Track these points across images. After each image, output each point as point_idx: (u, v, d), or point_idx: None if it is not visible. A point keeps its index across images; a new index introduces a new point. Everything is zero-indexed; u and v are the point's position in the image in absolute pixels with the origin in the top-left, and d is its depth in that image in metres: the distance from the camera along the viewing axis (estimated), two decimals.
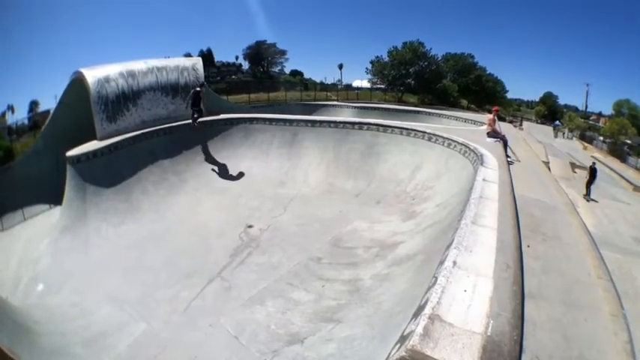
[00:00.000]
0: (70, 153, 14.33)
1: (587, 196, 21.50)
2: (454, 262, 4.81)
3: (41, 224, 14.72)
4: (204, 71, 22.35)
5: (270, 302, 8.16)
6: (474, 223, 6.21)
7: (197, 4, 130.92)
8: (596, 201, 19.92)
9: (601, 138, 64.28)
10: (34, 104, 51.32)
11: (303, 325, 7.21)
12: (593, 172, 22.37)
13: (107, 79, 17.24)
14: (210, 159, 18.42)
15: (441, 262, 5.07)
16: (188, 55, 54.43)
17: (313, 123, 19.66)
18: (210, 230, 12.72)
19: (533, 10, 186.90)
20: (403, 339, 3.74)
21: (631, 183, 33.45)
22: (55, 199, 15.35)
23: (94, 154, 14.96)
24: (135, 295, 9.26)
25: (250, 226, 12.76)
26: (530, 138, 30.43)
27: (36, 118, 38.20)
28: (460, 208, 7.99)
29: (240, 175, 17.87)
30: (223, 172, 17.95)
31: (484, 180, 9.14)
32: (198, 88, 18.38)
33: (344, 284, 8.52)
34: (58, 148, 15.51)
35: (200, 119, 17.86)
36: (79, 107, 17.28)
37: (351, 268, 9.32)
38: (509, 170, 11.41)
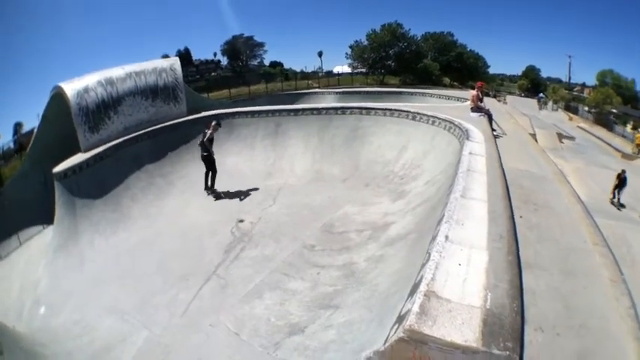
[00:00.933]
0: (57, 169, 14.36)
1: (614, 199, 20.13)
2: (446, 237, 4.67)
3: (37, 246, 14.80)
4: (183, 71, 22.20)
5: (268, 295, 8.05)
6: (464, 197, 6.08)
7: (172, 4, 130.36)
8: (624, 206, 19.23)
9: (586, 108, 64.81)
10: (18, 126, 51.09)
11: (302, 314, 7.11)
12: (622, 180, 20.73)
13: (86, 90, 17.14)
14: (195, 158, 17.85)
15: (433, 238, 4.91)
16: (166, 56, 54.14)
17: (296, 112, 19.62)
18: (201, 230, 12.56)
19: None
20: (400, 319, 3.59)
21: (619, 150, 33.81)
22: (47, 218, 15.29)
23: (80, 167, 14.93)
24: (133, 303, 9.13)
25: (241, 221, 12.58)
26: (515, 111, 30.55)
27: (21, 139, 38.05)
28: (449, 184, 7.86)
29: (227, 171, 17.58)
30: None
31: (471, 154, 9.03)
32: (207, 131, 15.32)
33: (339, 269, 8.42)
34: (44, 167, 15.63)
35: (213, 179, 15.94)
36: (62, 122, 17.23)
37: (345, 252, 9.21)
38: (496, 143, 11.30)
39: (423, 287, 3.69)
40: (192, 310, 8.36)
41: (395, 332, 3.42)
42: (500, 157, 9.30)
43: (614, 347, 4.11)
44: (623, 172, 20.79)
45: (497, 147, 10.53)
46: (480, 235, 4.80)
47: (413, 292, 3.92)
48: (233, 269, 9.70)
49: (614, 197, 19.83)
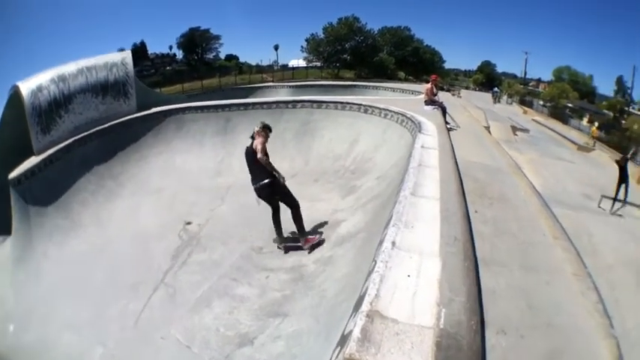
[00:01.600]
0: (12, 175, 13.90)
1: (616, 199, 18.69)
2: (393, 243, 4.05)
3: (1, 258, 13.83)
4: (138, 65, 21.52)
5: (217, 302, 7.64)
6: (414, 194, 5.51)
7: None
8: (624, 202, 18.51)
9: (541, 102, 66.10)
10: None
11: (251, 323, 6.71)
12: (624, 168, 19.34)
13: (40, 88, 16.64)
14: (144, 157, 17.57)
15: (380, 243, 4.34)
16: (122, 50, 53.00)
17: (246, 106, 19.05)
18: (149, 234, 12.09)
19: None
20: (343, 340, 3.06)
21: (575, 143, 34.33)
22: (7, 228, 14.62)
23: (32, 172, 14.46)
24: (88, 316, 8.81)
25: (189, 223, 12.13)
26: (470, 105, 30.63)
27: None
28: (400, 179, 7.37)
29: (176, 170, 17.08)
30: (159, 170, 17.15)
31: (423, 147, 8.58)
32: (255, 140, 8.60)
33: (287, 272, 8.00)
34: (3, 173, 14.59)
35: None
36: (20, 123, 16.37)
37: (294, 254, 8.78)
38: (450, 136, 10.92)
39: (365, 306, 3.09)
40: (143, 321, 8.02)
41: (337, 356, 2.93)
42: (453, 150, 8.87)
43: (585, 345, 4.04)
44: (623, 158, 20.11)
45: (450, 139, 10.15)
46: (432, 239, 4.22)
47: (357, 307, 3.36)
48: (181, 275, 9.33)
49: (617, 196, 18.54)
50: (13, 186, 13.65)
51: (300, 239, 8.69)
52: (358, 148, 14.77)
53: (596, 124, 47.04)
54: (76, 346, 8.05)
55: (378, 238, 4.84)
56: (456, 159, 8.26)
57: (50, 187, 14.46)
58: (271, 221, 9.15)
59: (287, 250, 8.93)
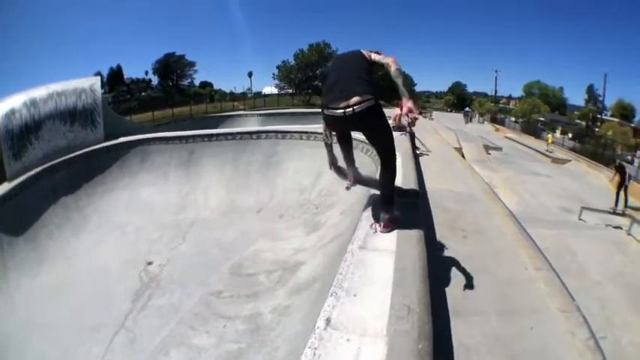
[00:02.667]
0: None
1: (616, 207, 18.71)
2: (327, 321, 3.25)
3: None
4: (114, 90, 21.16)
5: (174, 352, 7.30)
6: (363, 248, 4.59)
7: (107, 18, 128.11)
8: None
9: (512, 119, 67.10)
10: None
11: None
12: (622, 172, 19.64)
13: (13, 112, 16.34)
14: (110, 190, 16.99)
15: (316, 318, 3.54)
16: (98, 74, 52.25)
17: (210, 137, 18.42)
18: (111, 273, 11.65)
19: (437, 4, 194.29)
20: None
21: (548, 156, 34.32)
22: None
23: (3, 199, 13.94)
24: (56, 355, 8.54)
25: (150, 263, 11.68)
26: (441, 126, 30.80)
27: None
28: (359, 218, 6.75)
29: (141, 204, 16.49)
30: (123, 203, 16.51)
31: None
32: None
33: (245, 322, 7.53)
34: None
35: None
36: None
37: (252, 300, 8.30)
38: (418, 164, 10.40)
39: None
40: None
41: None
42: (421, 181, 8.26)
43: None
44: (619, 163, 20.09)
45: (418, 168, 9.57)
46: (379, 311, 3.35)
47: None
48: (141, 319, 9.01)
49: (617, 205, 18.53)
50: None
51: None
52: (322, 180, 14.27)
53: (555, 133, 48.28)
54: None
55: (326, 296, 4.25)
56: (424, 190, 7.64)
57: (20, 217, 13.99)
58: (232, 263, 9.73)
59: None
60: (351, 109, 4.63)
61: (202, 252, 11.62)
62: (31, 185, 15.22)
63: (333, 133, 5.79)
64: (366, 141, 11.15)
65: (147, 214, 15.61)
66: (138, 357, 7.55)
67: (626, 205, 18.83)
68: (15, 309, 10.92)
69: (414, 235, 4.83)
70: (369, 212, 5.76)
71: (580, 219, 17.09)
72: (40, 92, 17.80)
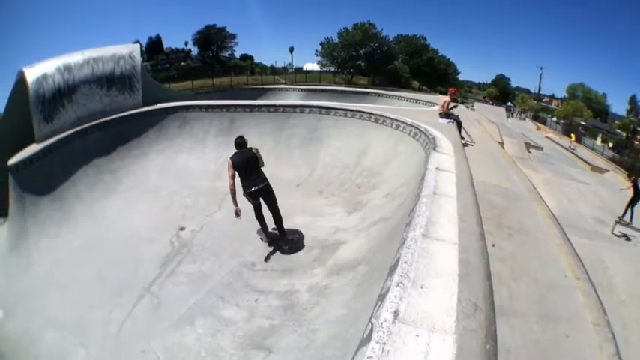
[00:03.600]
0: (11, 162, 13.30)
1: (622, 217, 18.52)
2: (395, 313, 3.10)
3: None
4: (153, 58, 21.02)
5: (200, 321, 7.17)
6: (426, 236, 4.45)
7: None
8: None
9: (554, 119, 65.93)
10: None
11: (233, 352, 6.22)
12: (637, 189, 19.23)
13: (45, 76, 15.89)
14: (145, 154, 17.02)
15: (380, 301, 3.47)
16: (137, 42, 52.56)
17: (251, 108, 18.29)
18: (141, 236, 11.48)
19: None
20: None
21: (588, 163, 33.94)
22: (5, 211, 14.02)
23: (31, 160, 13.81)
24: (71, 317, 8.41)
25: (182, 229, 11.53)
26: (483, 118, 29.99)
27: None
28: (410, 203, 6.59)
29: (176, 169, 16.50)
30: (158, 168, 16.55)
31: (438, 169, 7.60)
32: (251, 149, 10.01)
33: (278, 297, 7.41)
34: (8, 158, 14.10)
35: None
36: (26, 110, 15.78)
37: (287, 275, 8.18)
38: (466, 155, 10.12)
39: None
40: (126, 330, 7.64)
41: None
42: (471, 175, 8.04)
43: None
44: (634, 179, 19.86)
45: (467, 160, 9.27)
46: (447, 306, 3.24)
47: None
48: (168, 286, 8.80)
49: (624, 215, 18.46)
50: (11, 173, 13.12)
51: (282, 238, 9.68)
52: (367, 160, 14.06)
53: (596, 140, 48.05)
54: (59, 345, 7.71)
55: (380, 279, 4.08)
56: (474, 186, 7.42)
57: (47, 177, 13.96)
58: (267, 236, 9.86)
59: (271, 242, 9.76)
60: (264, 185, 9.30)
61: (237, 222, 10.94)
62: (61, 147, 15.24)
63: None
64: (411, 123, 11.41)
65: (182, 179, 15.60)
66: (161, 323, 7.44)
67: (622, 217, 18.59)
68: (30, 268, 10.96)
69: (476, 230, 4.73)
70: (427, 200, 5.59)
71: (613, 232, 16.82)
72: (75, 58, 17.74)
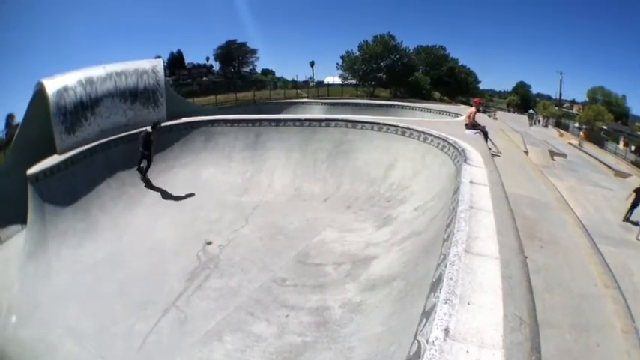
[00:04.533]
0: (30, 171, 13.39)
1: (628, 219, 19.22)
2: (446, 331, 3.13)
3: (15, 247, 13.49)
4: (175, 73, 21.21)
5: (229, 337, 7.07)
6: (468, 252, 4.45)
7: (169, 7, 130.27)
8: (636, 224, 18.34)
9: (576, 125, 65.40)
10: (10, 118, 49.51)
11: None
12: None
13: (66, 89, 16.12)
14: (170, 167, 17.06)
15: (425, 318, 3.52)
16: (158, 57, 52.90)
17: (277, 122, 18.30)
18: (166, 250, 11.48)
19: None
20: None
21: (611, 168, 34.05)
22: (26, 219, 14.01)
23: (52, 170, 13.91)
24: (92, 328, 8.35)
25: (209, 243, 11.46)
26: (506, 127, 29.89)
27: (12, 132, 36.85)
28: (443, 217, 6.64)
29: (201, 183, 16.47)
30: (183, 181, 16.52)
31: (472, 182, 7.52)
32: (149, 128, 15.96)
33: (310, 313, 7.34)
34: (26, 165, 14.31)
35: (147, 168, 15.99)
36: (45, 120, 15.99)
37: (319, 291, 8.11)
38: (497, 166, 10.10)
39: None
40: (149, 345, 7.53)
41: None
42: (504, 187, 8.01)
43: None
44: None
45: (498, 172, 9.23)
46: (493, 322, 3.29)
47: None
48: (195, 300, 8.72)
49: (628, 218, 19.01)
50: (31, 182, 13.21)
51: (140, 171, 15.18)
52: (395, 173, 13.96)
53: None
54: (77, 355, 7.70)
55: (418, 294, 4.15)
56: (507, 198, 7.40)
57: (69, 188, 14.08)
58: (297, 251, 10.13)
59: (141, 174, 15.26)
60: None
61: (266, 236, 11.41)
62: (84, 159, 15.36)
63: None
64: (438, 135, 11.47)
65: (208, 193, 15.61)
66: (187, 338, 7.41)
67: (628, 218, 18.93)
68: (50, 278, 10.98)
69: (515, 244, 4.77)
70: (465, 215, 5.59)
71: (638, 239, 16.76)
72: (97, 71, 17.95)
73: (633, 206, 19.51)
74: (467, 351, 2.92)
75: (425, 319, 3.51)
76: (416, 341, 3.21)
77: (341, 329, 6.54)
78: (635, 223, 18.47)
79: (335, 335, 6.43)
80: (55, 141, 15.30)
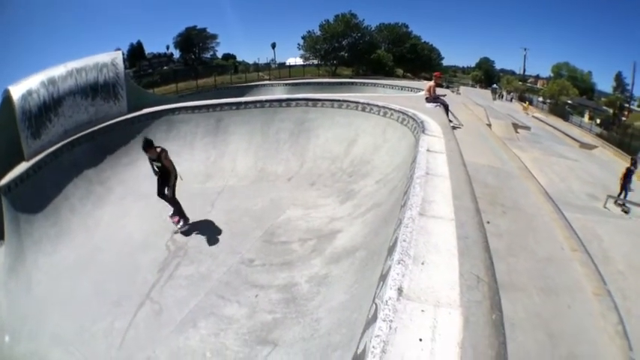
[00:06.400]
0: (1, 183, 13.30)
1: (619, 199, 18.40)
2: (399, 290, 3.08)
3: None
4: (135, 65, 20.85)
5: (203, 323, 7.08)
6: (423, 215, 4.44)
7: None
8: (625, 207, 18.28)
9: (540, 99, 66.86)
10: None
11: (238, 349, 6.18)
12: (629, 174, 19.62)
13: (30, 92, 15.95)
14: (134, 161, 16.69)
15: (382, 281, 3.49)
16: (118, 49, 51.97)
17: (238, 105, 18.15)
18: (136, 243, 11.39)
19: None
20: None
21: (577, 140, 34.55)
22: (1, 233, 14.10)
23: (21, 178, 13.83)
24: (74, 332, 8.27)
25: (177, 232, 11.37)
26: (469, 101, 30.15)
27: None
28: (402, 186, 6.65)
29: None
30: (147, 174, 15.84)
31: (428, 150, 7.61)
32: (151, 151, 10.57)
33: (279, 291, 7.36)
34: None
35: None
36: (13, 128, 15.75)
37: (286, 269, 8.12)
38: (455, 137, 10.16)
39: None
40: (129, 340, 7.48)
41: None
42: (462, 155, 8.06)
43: None
44: (633, 159, 20.25)
45: (457, 141, 9.30)
46: (450, 281, 3.25)
47: None
48: (167, 290, 8.68)
49: (620, 196, 18.76)
50: (4, 193, 13.17)
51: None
52: (356, 149, 14.03)
53: (584, 118, 50.00)
54: None
55: (380, 262, 4.10)
56: (465, 165, 7.44)
57: (39, 194, 13.91)
58: (263, 231, 10.12)
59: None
60: None
61: (232, 220, 11.35)
62: (50, 162, 15.16)
63: None
64: (398, 109, 11.43)
65: None
66: (164, 330, 7.34)
67: (619, 198, 18.93)
68: (31, 289, 10.93)
69: (471, 206, 4.76)
70: (420, 180, 5.59)
71: (605, 207, 17.03)
72: (58, 71, 17.69)
73: (624, 188, 19.31)
74: (422, 310, 2.87)
75: (382, 282, 3.47)
76: (373, 304, 3.16)
77: (308, 303, 6.58)
78: (624, 208, 18.00)
79: (303, 309, 6.46)
80: (23, 147, 15.11)
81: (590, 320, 4.57)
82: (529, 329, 4.19)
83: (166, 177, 10.90)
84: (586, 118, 53.90)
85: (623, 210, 17.64)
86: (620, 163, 28.62)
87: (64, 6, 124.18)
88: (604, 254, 11.12)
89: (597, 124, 49.14)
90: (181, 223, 11.33)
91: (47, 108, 16.31)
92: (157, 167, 10.85)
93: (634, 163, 20.15)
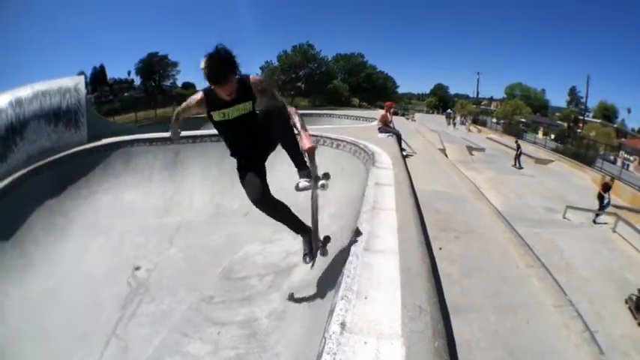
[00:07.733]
0: None
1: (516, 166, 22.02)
2: (342, 325, 3.25)
3: None
4: (97, 90, 20.60)
5: None
6: (367, 250, 4.68)
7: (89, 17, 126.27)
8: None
9: (494, 120, 68.24)
10: None
11: None
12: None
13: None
14: (93, 193, 16.53)
15: (330, 316, 3.59)
16: (82, 73, 51.06)
17: (194, 139, 18.11)
18: (99, 279, 11.24)
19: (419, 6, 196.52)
20: None
21: (531, 156, 35.05)
22: None
23: None
24: None
25: (137, 268, 11.32)
26: (424, 128, 30.82)
27: None
28: (352, 221, 6.85)
29: (124, 207, 16.06)
30: (107, 207, 16.05)
31: (377, 184, 7.89)
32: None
33: (240, 327, 7.35)
34: None
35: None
36: None
37: (246, 304, 8.15)
38: (406, 166, 10.40)
39: None
40: None
41: None
42: (412, 184, 8.29)
43: None
44: (516, 140, 21.51)
45: (407, 171, 9.56)
46: (392, 313, 3.41)
47: None
48: (132, 327, 8.65)
49: (515, 164, 20.41)
50: None
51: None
52: None
53: (537, 134, 54.86)
54: None
55: (330, 300, 4.19)
56: (415, 194, 7.66)
57: (6, 222, 13.50)
58: (222, 267, 9.69)
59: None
60: None
61: (191, 256, 11.40)
62: (16, 188, 14.77)
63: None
64: (351, 141, 11.44)
65: (131, 217, 15.26)
66: None
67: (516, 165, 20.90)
68: (5, 319, 10.50)
69: (415, 237, 4.96)
70: (367, 215, 5.79)
71: (565, 217, 17.42)
72: (25, 91, 17.29)
73: (602, 203, 19.88)
74: (365, 342, 3.02)
75: (329, 317, 3.59)
76: (323, 338, 3.28)
77: (268, 338, 6.63)
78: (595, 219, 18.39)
79: (264, 344, 6.51)
80: None
81: (552, 332, 4.62)
82: (487, 348, 4.25)
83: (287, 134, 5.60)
84: (540, 134, 55.41)
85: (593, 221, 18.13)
86: (578, 175, 29.50)
87: (30, 20, 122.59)
88: (567, 263, 11.52)
89: (552, 139, 50.50)
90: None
91: (14, 130, 16.01)
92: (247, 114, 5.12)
93: (518, 147, 22.07)
